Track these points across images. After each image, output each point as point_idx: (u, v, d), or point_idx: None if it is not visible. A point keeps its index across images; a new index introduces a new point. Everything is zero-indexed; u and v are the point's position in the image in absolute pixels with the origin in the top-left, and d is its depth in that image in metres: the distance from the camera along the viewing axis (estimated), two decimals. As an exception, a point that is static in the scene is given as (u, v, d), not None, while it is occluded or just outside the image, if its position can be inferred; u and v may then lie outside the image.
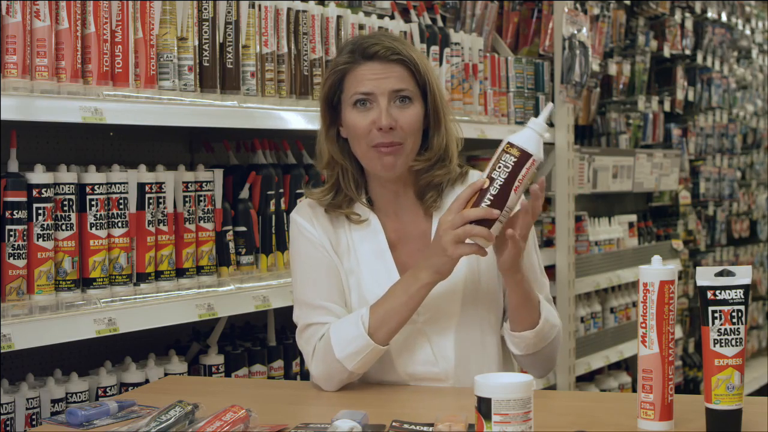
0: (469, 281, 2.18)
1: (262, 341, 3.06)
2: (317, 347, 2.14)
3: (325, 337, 2.13)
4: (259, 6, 2.82)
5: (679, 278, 6.23)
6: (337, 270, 2.21)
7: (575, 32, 4.35)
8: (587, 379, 5.11)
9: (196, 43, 2.65)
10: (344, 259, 2.22)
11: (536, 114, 4.29)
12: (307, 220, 2.24)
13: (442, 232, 1.99)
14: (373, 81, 2.13)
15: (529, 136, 1.93)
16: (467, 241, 1.97)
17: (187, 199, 2.66)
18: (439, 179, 2.20)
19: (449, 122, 2.23)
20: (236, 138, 3.14)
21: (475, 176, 2.26)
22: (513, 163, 1.91)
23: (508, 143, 1.92)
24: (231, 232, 2.82)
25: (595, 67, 5.22)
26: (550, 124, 4.40)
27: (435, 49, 3.64)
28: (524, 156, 1.91)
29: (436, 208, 2.22)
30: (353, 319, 2.11)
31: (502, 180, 1.92)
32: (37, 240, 2.29)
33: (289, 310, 2.31)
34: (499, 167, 1.92)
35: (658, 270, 1.77)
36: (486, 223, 1.94)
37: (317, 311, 2.17)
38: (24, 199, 2.27)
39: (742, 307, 1.74)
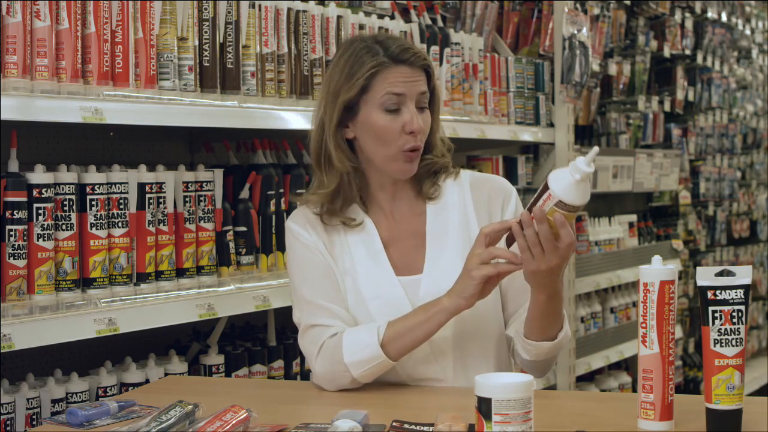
0: None
1: (262, 341, 3.06)
2: (325, 345, 2.14)
3: (336, 338, 2.13)
4: (259, 6, 2.82)
5: (679, 278, 6.23)
6: (333, 272, 2.21)
7: (575, 32, 4.35)
8: (587, 379, 5.11)
9: (197, 43, 2.65)
10: (339, 260, 2.23)
11: (536, 114, 4.29)
12: (300, 226, 2.24)
13: (469, 256, 2.04)
14: (405, 84, 2.15)
15: (561, 173, 1.92)
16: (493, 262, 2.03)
17: (187, 199, 2.66)
18: (429, 167, 2.24)
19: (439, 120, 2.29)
20: (236, 138, 3.14)
21: (467, 176, 2.29)
22: (537, 193, 1.94)
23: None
24: (231, 232, 2.82)
25: (595, 67, 5.22)
26: (550, 125, 4.41)
27: (435, 49, 3.64)
28: (545, 188, 1.92)
29: (430, 196, 2.24)
30: (369, 327, 2.12)
31: (528, 206, 1.96)
32: (38, 240, 2.29)
33: (289, 310, 2.31)
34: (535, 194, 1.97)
35: (658, 270, 1.77)
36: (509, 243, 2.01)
37: (321, 312, 2.17)
38: (24, 199, 2.27)
39: (742, 307, 1.74)
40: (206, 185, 2.71)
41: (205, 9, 2.67)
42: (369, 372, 2.11)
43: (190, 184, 2.67)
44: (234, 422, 1.74)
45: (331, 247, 2.23)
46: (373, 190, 2.25)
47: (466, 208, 2.24)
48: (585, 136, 5.57)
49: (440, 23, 3.84)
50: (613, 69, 5.62)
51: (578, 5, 4.57)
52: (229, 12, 2.73)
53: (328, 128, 2.18)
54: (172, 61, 2.57)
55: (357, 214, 2.23)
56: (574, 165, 1.90)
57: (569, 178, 1.90)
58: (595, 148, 1.93)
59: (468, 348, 2.19)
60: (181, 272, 2.65)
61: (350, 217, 2.23)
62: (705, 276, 1.75)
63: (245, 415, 1.77)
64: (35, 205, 2.29)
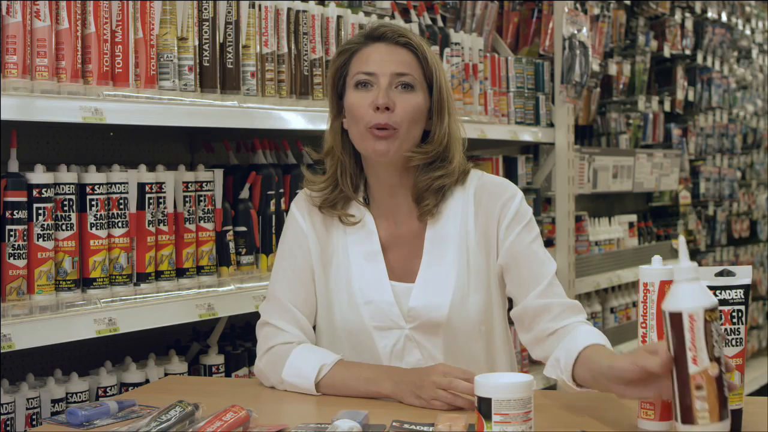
0: (456, 294, 2.15)
1: (262, 341, 3.06)
2: (274, 350, 2.17)
3: (286, 350, 2.15)
4: (259, 6, 2.82)
5: (679, 278, 6.21)
6: (311, 277, 2.22)
7: (575, 32, 4.35)
8: (587, 379, 5.10)
9: (197, 43, 2.65)
10: (334, 257, 2.22)
11: (536, 114, 4.29)
12: (300, 212, 2.25)
13: (427, 376, 1.97)
14: (377, 62, 2.12)
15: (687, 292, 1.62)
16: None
17: (187, 199, 2.66)
18: (439, 183, 2.16)
19: (453, 121, 2.19)
20: (236, 138, 3.14)
21: (474, 180, 2.22)
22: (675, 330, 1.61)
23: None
24: (231, 232, 2.82)
25: (595, 67, 5.22)
26: (550, 125, 4.41)
27: (435, 49, 3.64)
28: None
29: (431, 215, 2.19)
30: (316, 360, 2.11)
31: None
32: (38, 240, 2.29)
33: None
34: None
35: (658, 270, 1.77)
36: None
37: (282, 313, 2.20)
38: (24, 199, 2.27)
39: (742, 307, 1.74)
40: (206, 185, 2.71)
41: (205, 9, 2.67)
42: (295, 390, 2.14)
43: (190, 184, 2.67)
44: (234, 422, 1.74)
45: (327, 240, 2.23)
46: (372, 186, 2.22)
47: (467, 216, 2.18)
48: (585, 136, 5.57)
49: (440, 23, 3.84)
50: (613, 69, 5.62)
51: (578, 5, 4.57)
52: (229, 12, 2.73)
53: (329, 116, 2.23)
54: (172, 61, 2.57)
55: (357, 210, 2.22)
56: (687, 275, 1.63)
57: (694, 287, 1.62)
58: (681, 239, 1.67)
59: (458, 353, 2.16)
60: (181, 272, 2.65)
61: (349, 213, 2.21)
62: (705, 276, 1.75)
63: (245, 415, 1.77)
64: (35, 205, 2.29)
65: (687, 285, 1.60)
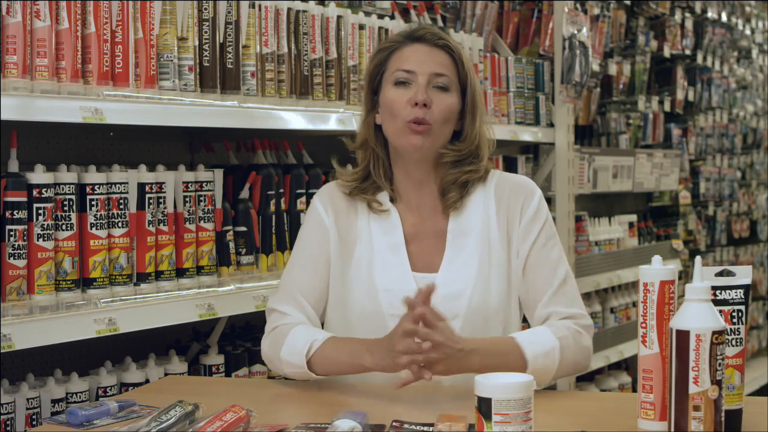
0: (478, 286, 2.19)
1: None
2: (277, 330, 2.20)
3: (286, 329, 2.19)
4: (259, 6, 2.82)
5: (679, 278, 6.21)
6: (326, 269, 2.25)
7: (575, 32, 4.35)
8: (587, 379, 5.11)
9: (197, 43, 2.65)
10: (357, 245, 2.25)
11: (536, 114, 4.29)
12: (322, 205, 2.29)
13: (395, 340, 1.99)
14: (416, 61, 2.20)
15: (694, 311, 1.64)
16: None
17: (187, 199, 2.66)
18: (466, 177, 2.23)
19: (484, 123, 2.28)
20: (236, 138, 3.14)
21: (494, 177, 2.28)
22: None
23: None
24: (231, 232, 2.82)
25: (595, 67, 5.22)
26: (550, 125, 4.40)
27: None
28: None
29: (455, 209, 2.24)
30: (308, 337, 2.14)
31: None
32: (38, 240, 2.29)
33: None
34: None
35: (658, 270, 1.77)
36: None
37: (288, 300, 2.24)
38: (24, 199, 2.27)
39: (742, 307, 1.74)
40: (206, 185, 2.71)
41: (205, 9, 2.67)
42: (297, 375, 2.16)
43: (190, 184, 2.67)
44: (234, 422, 1.74)
45: (348, 231, 2.26)
46: (400, 181, 2.27)
47: (489, 211, 2.25)
48: (585, 136, 5.57)
49: (440, 23, 3.84)
50: (613, 69, 5.62)
51: (578, 5, 4.57)
52: (229, 12, 2.73)
53: (362, 111, 2.29)
54: (172, 61, 2.57)
55: (385, 200, 2.27)
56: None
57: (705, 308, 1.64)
58: (698, 259, 1.70)
59: None
60: (181, 272, 2.65)
61: (377, 200, 2.26)
62: (705, 276, 1.75)
63: (245, 415, 1.77)
64: (35, 205, 2.29)
65: (697, 305, 1.63)
